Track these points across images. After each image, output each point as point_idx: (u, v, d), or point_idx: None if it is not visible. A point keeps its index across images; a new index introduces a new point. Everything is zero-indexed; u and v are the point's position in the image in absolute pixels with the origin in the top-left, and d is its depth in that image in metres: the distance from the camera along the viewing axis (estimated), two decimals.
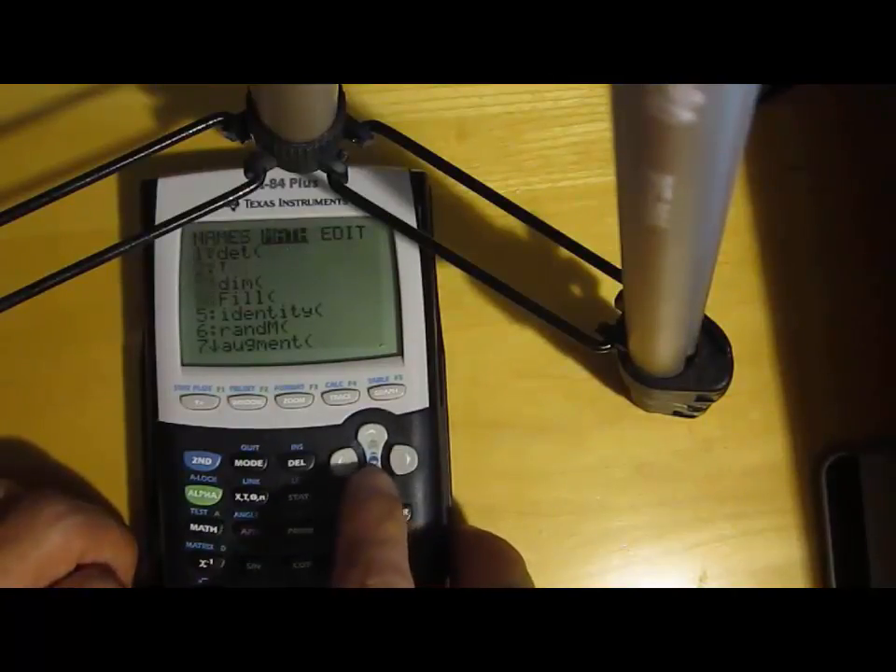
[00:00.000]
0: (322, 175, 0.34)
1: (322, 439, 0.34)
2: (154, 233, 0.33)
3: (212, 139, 0.33)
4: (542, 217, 0.33)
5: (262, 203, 0.35)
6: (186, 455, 0.33)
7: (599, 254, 0.33)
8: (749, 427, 0.38)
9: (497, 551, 0.33)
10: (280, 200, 0.35)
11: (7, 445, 0.36)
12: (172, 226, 0.32)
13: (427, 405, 0.34)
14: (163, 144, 0.32)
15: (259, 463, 0.33)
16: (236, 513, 0.33)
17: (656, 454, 0.38)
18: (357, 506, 0.31)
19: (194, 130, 0.32)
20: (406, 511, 0.33)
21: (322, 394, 0.34)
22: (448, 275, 0.36)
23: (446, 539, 0.35)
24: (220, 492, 0.33)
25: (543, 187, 0.39)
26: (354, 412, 0.34)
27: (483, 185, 0.34)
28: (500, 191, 0.34)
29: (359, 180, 0.34)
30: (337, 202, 0.35)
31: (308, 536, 0.33)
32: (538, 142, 0.39)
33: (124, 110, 0.38)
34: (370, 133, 0.33)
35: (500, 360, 0.38)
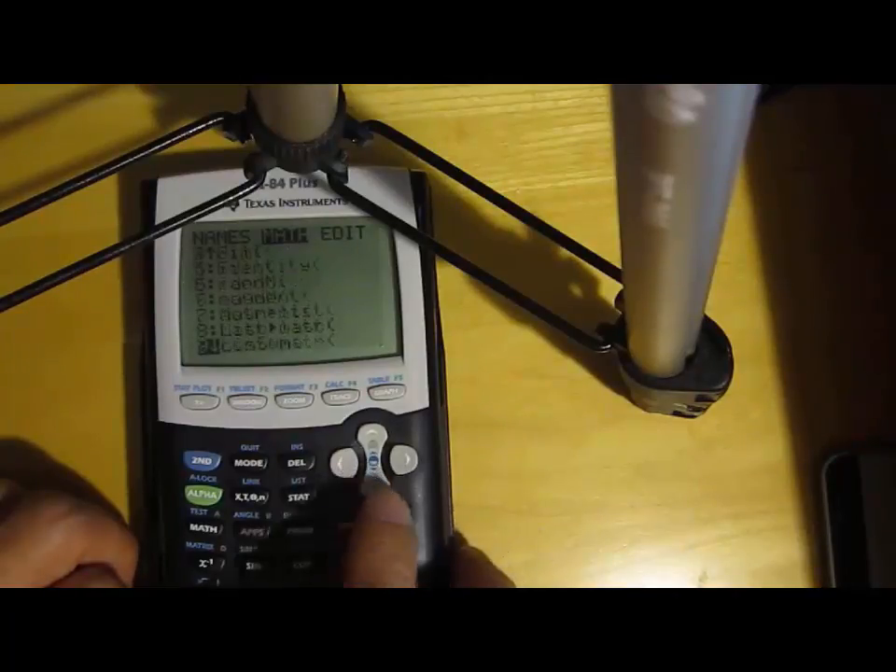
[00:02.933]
0: (322, 175, 0.34)
1: (322, 439, 0.34)
2: (154, 233, 0.33)
3: (212, 139, 0.33)
4: (542, 217, 0.33)
5: (262, 203, 0.35)
6: (186, 455, 0.33)
7: (599, 254, 0.33)
8: (749, 427, 0.38)
9: (492, 581, 0.33)
10: (280, 200, 0.35)
11: (7, 445, 0.36)
12: (172, 226, 0.32)
13: (427, 405, 0.34)
14: (163, 144, 0.32)
15: (258, 463, 0.33)
16: (236, 513, 0.33)
17: (656, 454, 0.38)
18: (371, 538, 0.31)
19: (194, 130, 0.32)
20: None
21: (322, 394, 0.34)
22: (448, 275, 0.36)
23: (446, 540, 0.35)
24: (220, 492, 0.33)
25: (543, 187, 0.39)
26: (354, 412, 0.34)
27: (483, 185, 0.34)
28: (500, 191, 0.34)
29: (359, 180, 0.34)
30: (337, 202, 0.35)
31: (308, 536, 0.33)
32: (538, 142, 0.39)
33: (124, 110, 0.38)
34: (370, 133, 0.33)
35: (500, 360, 0.38)
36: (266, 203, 0.35)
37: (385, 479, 0.34)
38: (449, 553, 0.35)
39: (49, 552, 0.29)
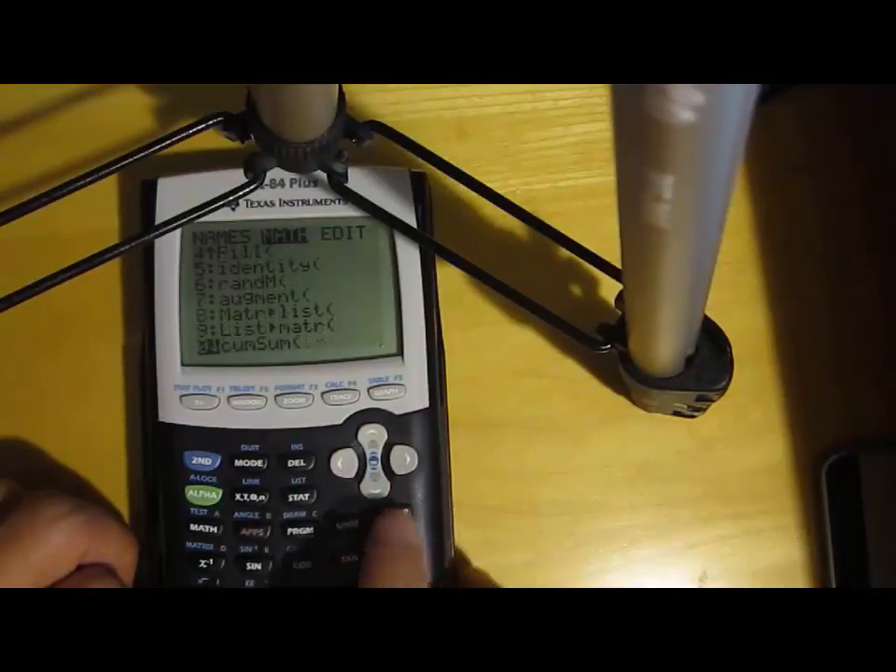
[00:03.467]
0: (322, 175, 0.34)
1: (322, 439, 0.34)
2: (154, 233, 0.33)
3: (212, 139, 0.33)
4: (542, 217, 0.33)
5: (262, 203, 0.35)
6: (186, 455, 0.33)
7: (599, 254, 0.33)
8: (749, 427, 0.38)
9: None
10: (280, 200, 0.35)
11: (7, 445, 0.36)
12: (172, 226, 0.32)
13: (427, 405, 0.34)
14: (163, 144, 0.32)
15: (258, 463, 0.33)
16: (236, 513, 0.33)
17: (656, 454, 0.38)
18: (383, 562, 0.31)
19: (194, 130, 0.32)
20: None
21: (322, 394, 0.34)
22: (448, 275, 0.36)
23: (446, 540, 0.35)
24: (220, 492, 0.33)
25: (543, 187, 0.39)
26: (354, 412, 0.34)
27: (483, 185, 0.34)
28: (500, 191, 0.34)
29: (359, 180, 0.34)
30: (337, 202, 0.35)
31: (308, 536, 0.33)
32: (538, 142, 0.39)
33: (124, 110, 0.38)
34: (370, 133, 0.33)
35: (500, 360, 0.38)
36: (266, 203, 0.35)
37: (385, 479, 0.34)
38: (449, 554, 0.35)
39: (50, 552, 0.29)
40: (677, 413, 0.37)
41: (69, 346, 0.37)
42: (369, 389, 0.34)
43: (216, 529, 0.33)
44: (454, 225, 0.37)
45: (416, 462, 0.34)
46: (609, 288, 0.36)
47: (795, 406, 0.38)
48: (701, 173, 0.17)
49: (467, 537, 0.36)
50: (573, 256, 0.33)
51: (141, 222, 0.34)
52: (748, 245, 0.39)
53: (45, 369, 0.37)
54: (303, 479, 0.33)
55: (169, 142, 0.32)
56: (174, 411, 0.33)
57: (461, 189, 0.34)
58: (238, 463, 0.33)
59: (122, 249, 0.32)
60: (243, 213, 0.34)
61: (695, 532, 0.37)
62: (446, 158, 0.34)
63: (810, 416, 0.38)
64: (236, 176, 0.33)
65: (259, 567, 0.33)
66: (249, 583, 0.33)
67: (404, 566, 0.31)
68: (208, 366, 0.34)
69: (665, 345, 0.29)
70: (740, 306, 0.38)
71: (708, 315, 0.31)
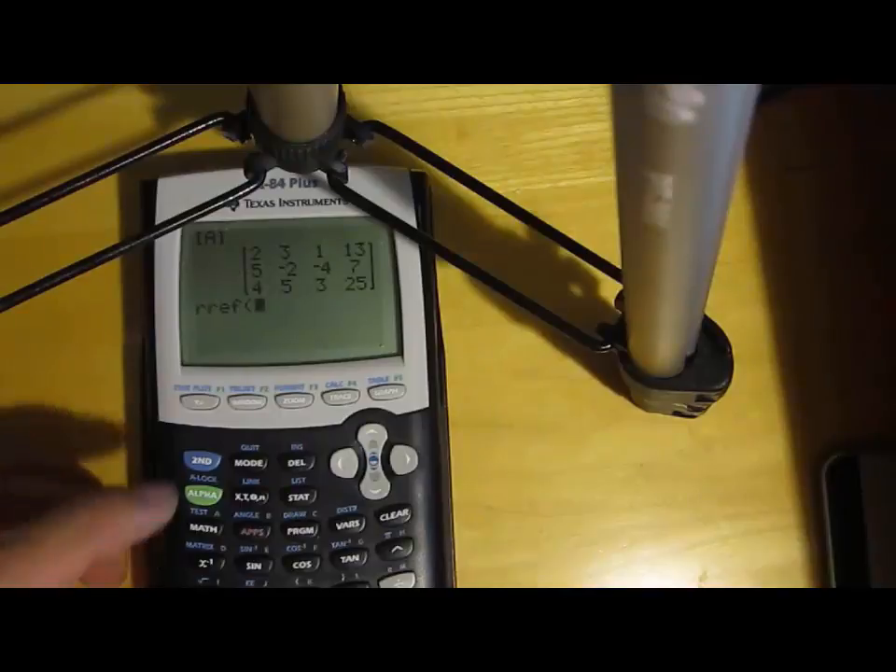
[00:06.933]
0: (322, 175, 0.34)
1: (322, 439, 0.34)
2: (154, 233, 0.33)
3: (212, 139, 0.33)
4: (542, 217, 0.33)
5: (262, 203, 0.35)
6: (186, 455, 0.33)
7: (599, 254, 0.33)
8: (749, 427, 0.38)
9: None
10: (280, 200, 0.35)
11: (7, 445, 0.36)
12: (172, 226, 0.32)
13: (427, 405, 0.34)
14: (163, 144, 0.32)
15: (258, 463, 0.33)
16: (236, 513, 0.33)
17: (656, 454, 0.38)
18: None
19: (194, 130, 0.32)
20: (406, 511, 0.33)
21: (322, 394, 0.34)
22: (448, 275, 0.36)
23: (446, 540, 0.35)
24: (220, 492, 0.33)
25: (543, 187, 0.39)
26: (354, 412, 0.34)
27: (483, 185, 0.34)
28: (500, 191, 0.34)
29: (359, 180, 0.34)
30: (337, 202, 0.35)
31: (308, 536, 0.33)
32: (538, 142, 0.39)
33: (124, 110, 0.38)
34: (370, 133, 0.33)
35: (500, 360, 0.38)
36: (266, 202, 0.35)
37: (385, 479, 0.34)
38: (449, 553, 0.35)
39: (62, 579, 0.29)
40: (677, 413, 0.37)
41: (69, 346, 0.37)
42: (369, 389, 0.34)
43: (216, 529, 0.33)
44: (454, 225, 0.37)
45: (416, 462, 0.34)
46: (609, 288, 0.37)
47: (795, 406, 0.38)
48: (701, 173, 0.17)
49: (467, 537, 0.36)
50: (573, 256, 0.33)
51: (141, 222, 0.34)
52: (748, 245, 0.39)
53: (45, 369, 0.37)
54: (303, 479, 0.33)
55: (169, 142, 0.32)
56: (174, 411, 0.33)
57: (461, 189, 0.34)
58: (238, 463, 0.33)
59: (122, 249, 0.32)
60: (243, 213, 0.34)
61: (695, 532, 0.37)
62: (446, 158, 0.34)
63: (810, 416, 0.38)
64: (236, 176, 0.33)
65: (259, 566, 0.33)
66: (249, 583, 0.33)
67: None
68: (208, 366, 0.34)
69: (664, 345, 0.29)
70: (740, 306, 0.38)
71: (708, 314, 0.31)
